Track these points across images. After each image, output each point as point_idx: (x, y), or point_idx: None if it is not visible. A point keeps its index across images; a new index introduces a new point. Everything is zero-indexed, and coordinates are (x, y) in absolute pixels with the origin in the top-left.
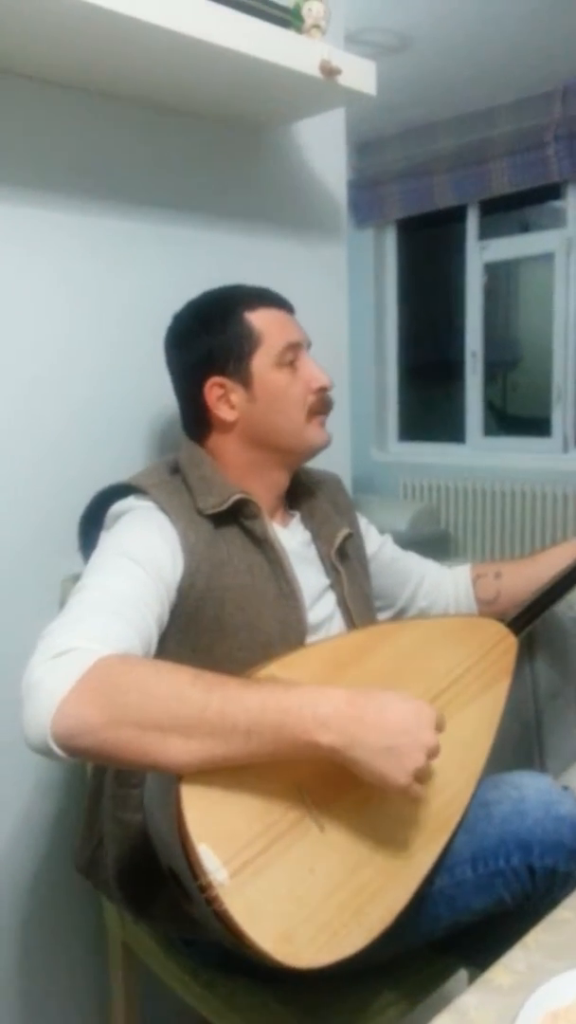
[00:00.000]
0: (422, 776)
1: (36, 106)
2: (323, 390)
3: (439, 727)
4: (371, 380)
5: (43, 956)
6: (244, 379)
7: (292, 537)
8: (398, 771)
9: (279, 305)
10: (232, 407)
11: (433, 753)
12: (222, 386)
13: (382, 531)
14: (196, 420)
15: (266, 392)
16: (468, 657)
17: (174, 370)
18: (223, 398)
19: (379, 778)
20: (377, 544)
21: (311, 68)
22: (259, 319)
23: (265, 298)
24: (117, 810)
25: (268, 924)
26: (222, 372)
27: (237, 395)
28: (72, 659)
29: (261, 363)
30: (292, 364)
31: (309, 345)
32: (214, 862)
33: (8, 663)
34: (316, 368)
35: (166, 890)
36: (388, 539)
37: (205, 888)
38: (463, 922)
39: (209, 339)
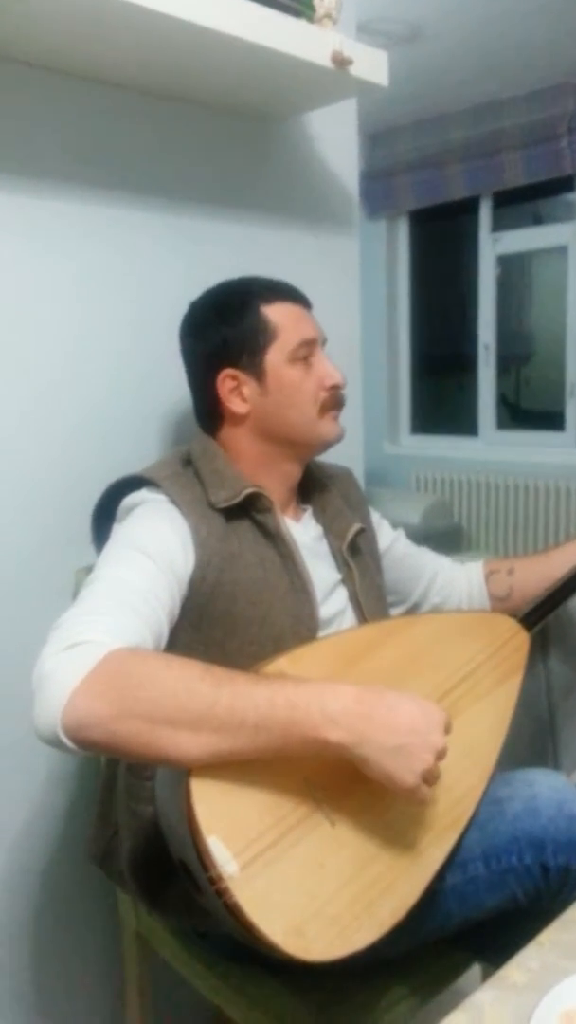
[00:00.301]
0: (430, 778)
1: (46, 95)
2: (336, 388)
3: (447, 730)
4: (383, 373)
5: (57, 946)
6: (257, 372)
7: (304, 531)
8: (406, 771)
9: (296, 300)
10: (244, 400)
11: (441, 755)
12: (235, 378)
13: (395, 525)
14: (208, 411)
15: (279, 386)
16: (480, 653)
17: (188, 359)
18: (235, 390)
19: (386, 777)
20: (390, 539)
21: (323, 58)
22: (275, 313)
23: (282, 292)
24: (131, 801)
25: (278, 917)
26: (235, 364)
27: (249, 388)
28: (83, 651)
29: (275, 357)
30: (306, 360)
31: (324, 342)
32: (224, 854)
33: (22, 653)
34: (330, 365)
35: (179, 882)
36: (401, 534)
37: (215, 880)
38: (475, 919)
39: (224, 330)
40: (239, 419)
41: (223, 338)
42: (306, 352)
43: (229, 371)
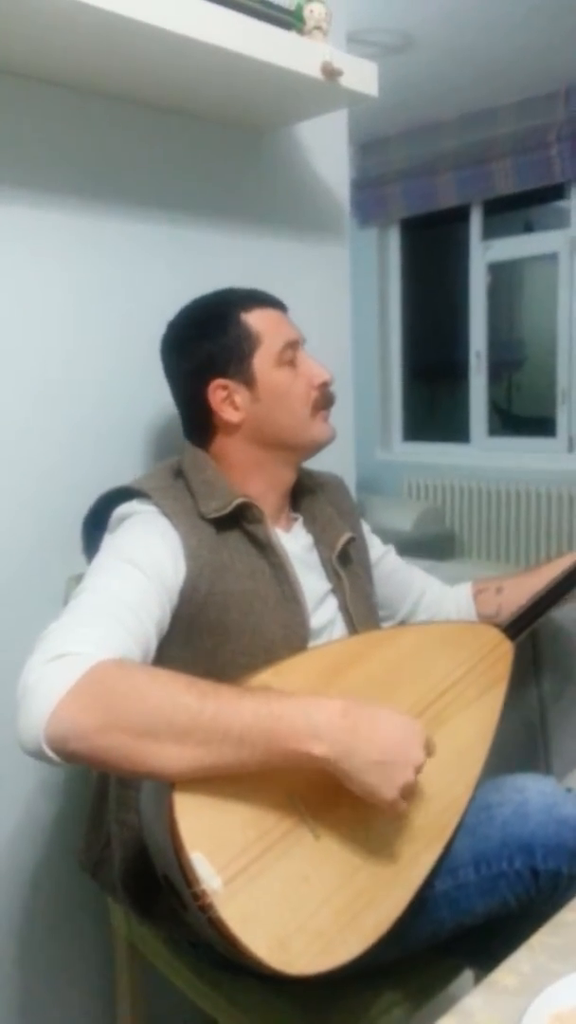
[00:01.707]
0: (408, 793)
1: (36, 107)
2: (325, 385)
3: (430, 751)
4: (375, 380)
5: (49, 954)
6: (247, 379)
7: (294, 541)
8: (387, 786)
9: (272, 305)
10: (237, 408)
11: (419, 771)
12: (225, 388)
13: (386, 531)
14: (199, 424)
15: (270, 391)
16: (464, 662)
17: (173, 377)
18: (227, 400)
19: (367, 791)
20: (379, 553)
21: (313, 70)
22: (255, 319)
23: (258, 298)
24: (121, 812)
25: (262, 931)
26: (224, 374)
27: (241, 396)
28: (69, 663)
29: (262, 362)
30: (292, 362)
31: (304, 342)
32: (207, 869)
33: (13, 661)
34: (316, 364)
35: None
36: (391, 549)
37: (199, 896)
38: (467, 924)
39: (208, 344)
40: (232, 428)
41: (208, 351)
42: (291, 355)
43: (219, 381)
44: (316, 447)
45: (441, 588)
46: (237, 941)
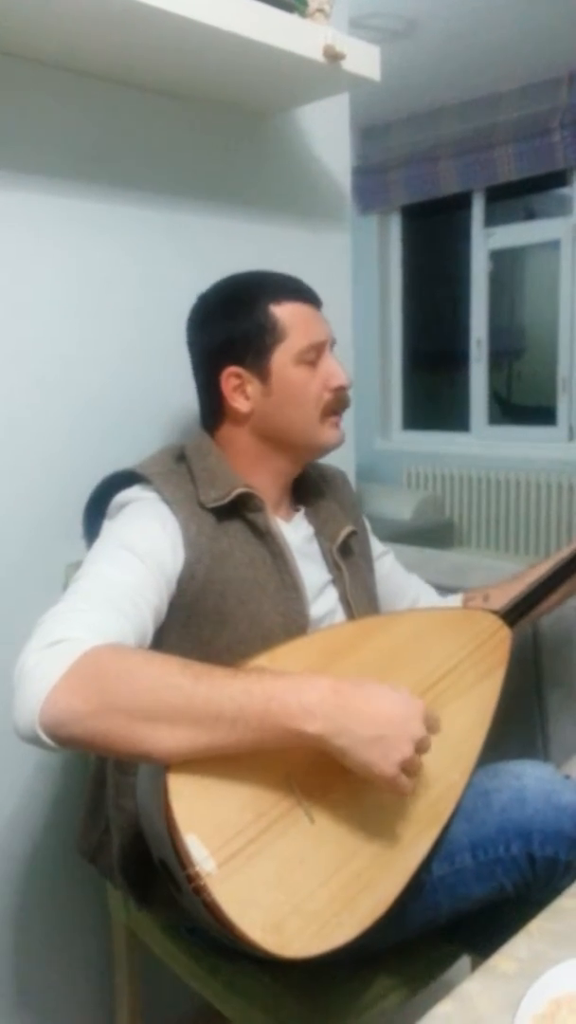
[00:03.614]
0: (410, 768)
1: (38, 90)
2: (341, 389)
3: (432, 726)
4: (375, 368)
5: (46, 939)
6: (262, 372)
7: (295, 532)
8: (384, 762)
9: (307, 299)
10: (247, 398)
11: (421, 746)
12: (239, 376)
13: (385, 520)
14: (211, 408)
15: (283, 388)
16: (462, 648)
17: (193, 352)
18: (239, 389)
19: (365, 768)
20: (378, 552)
21: (315, 53)
22: (285, 313)
23: (293, 291)
24: (119, 797)
25: (256, 914)
26: (240, 362)
27: (253, 387)
28: (64, 649)
29: (281, 358)
30: (312, 362)
31: (333, 343)
32: (201, 852)
33: (11, 646)
34: (336, 366)
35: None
36: (389, 552)
37: (192, 878)
38: (464, 910)
39: (231, 327)
40: (241, 417)
41: (228, 335)
42: (313, 355)
43: (233, 369)
44: (321, 451)
45: (435, 597)
46: (231, 924)
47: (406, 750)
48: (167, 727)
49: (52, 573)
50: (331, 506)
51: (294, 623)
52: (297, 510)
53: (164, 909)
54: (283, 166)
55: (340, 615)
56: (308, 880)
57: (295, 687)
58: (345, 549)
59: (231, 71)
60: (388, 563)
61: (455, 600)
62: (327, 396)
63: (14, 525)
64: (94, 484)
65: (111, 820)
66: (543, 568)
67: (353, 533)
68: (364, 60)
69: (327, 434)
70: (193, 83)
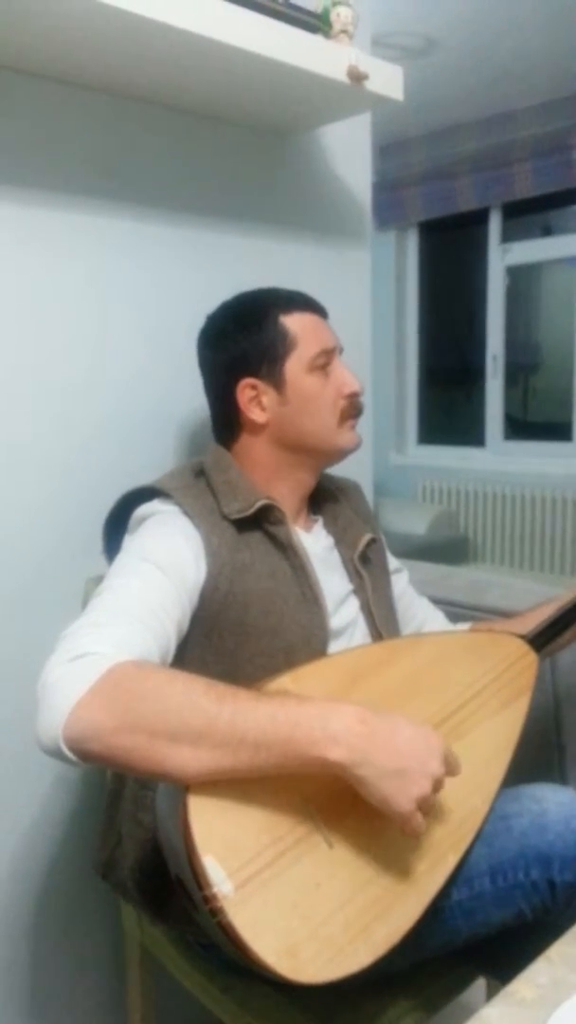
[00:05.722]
0: (425, 807)
1: (63, 109)
2: (354, 395)
3: (451, 767)
4: (391, 383)
5: (60, 956)
6: (277, 382)
7: (315, 542)
8: (403, 796)
9: (313, 309)
10: (263, 409)
11: (438, 785)
12: (254, 387)
13: (400, 535)
14: (226, 421)
15: (298, 395)
16: (487, 673)
17: (206, 370)
18: (255, 400)
19: (382, 800)
20: (392, 567)
21: (339, 73)
22: (294, 322)
23: (300, 302)
24: (138, 811)
25: (271, 938)
26: (255, 374)
27: (269, 397)
28: (88, 663)
29: (294, 367)
30: (324, 368)
31: (341, 351)
32: (219, 874)
33: (32, 661)
34: (348, 373)
35: None
36: (404, 571)
37: (209, 899)
38: (481, 934)
39: (243, 340)
40: (258, 428)
41: (242, 348)
42: (324, 361)
43: (249, 380)
44: (340, 455)
45: (443, 622)
46: (246, 946)
47: (425, 786)
48: (190, 748)
49: (73, 587)
50: (348, 514)
51: (315, 636)
52: (315, 520)
53: (179, 924)
54: (305, 184)
55: (362, 625)
56: (324, 906)
57: (321, 714)
58: (365, 558)
59: (257, 91)
60: (403, 582)
61: (462, 628)
62: (342, 403)
63: (35, 539)
64: (115, 498)
65: (127, 834)
66: (540, 613)
67: (373, 541)
68: (387, 80)
69: (345, 437)
70: (218, 103)
